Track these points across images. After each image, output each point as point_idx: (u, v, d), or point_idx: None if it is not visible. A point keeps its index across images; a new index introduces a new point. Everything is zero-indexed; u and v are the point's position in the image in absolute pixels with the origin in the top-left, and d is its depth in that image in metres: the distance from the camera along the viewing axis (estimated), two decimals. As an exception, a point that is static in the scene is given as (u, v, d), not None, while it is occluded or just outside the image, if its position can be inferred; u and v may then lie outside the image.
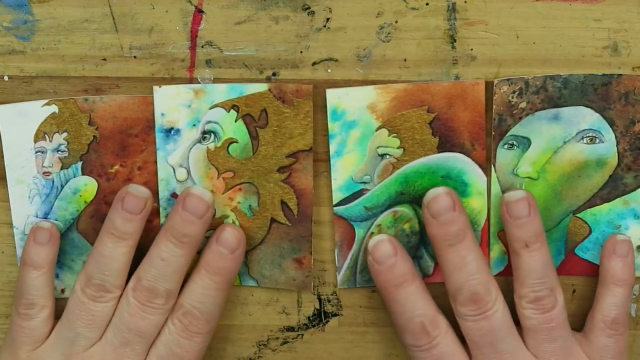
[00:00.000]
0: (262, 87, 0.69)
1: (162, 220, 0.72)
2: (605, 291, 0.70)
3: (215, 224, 0.71)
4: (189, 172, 0.71)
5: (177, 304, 0.69)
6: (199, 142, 0.70)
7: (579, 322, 0.73)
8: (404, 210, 0.71)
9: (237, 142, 0.70)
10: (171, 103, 0.69)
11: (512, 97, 0.69)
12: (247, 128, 0.70)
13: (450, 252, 0.67)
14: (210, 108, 0.69)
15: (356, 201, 0.71)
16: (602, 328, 0.69)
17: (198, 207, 0.68)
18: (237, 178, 0.71)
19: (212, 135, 0.70)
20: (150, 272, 0.68)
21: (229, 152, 0.70)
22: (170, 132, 0.70)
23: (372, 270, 0.70)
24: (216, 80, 0.69)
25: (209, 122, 0.70)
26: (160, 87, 0.69)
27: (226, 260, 0.69)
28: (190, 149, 0.70)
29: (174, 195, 0.71)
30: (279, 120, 0.69)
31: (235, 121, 0.70)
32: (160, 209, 0.71)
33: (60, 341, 0.69)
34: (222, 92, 0.69)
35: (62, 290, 0.74)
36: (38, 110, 0.70)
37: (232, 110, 0.69)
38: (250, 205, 0.71)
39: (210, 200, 0.69)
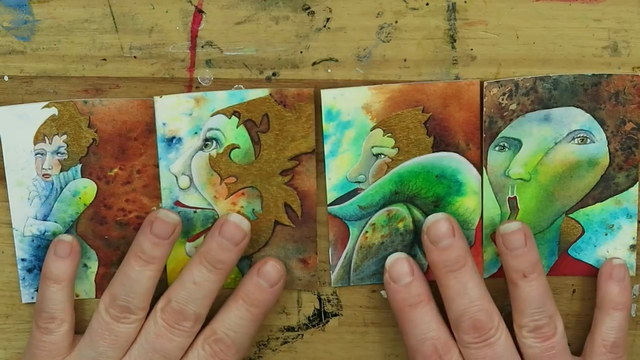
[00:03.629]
0: (263, 93, 0.69)
1: None
2: (604, 315, 0.70)
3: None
4: (191, 179, 0.70)
5: (209, 328, 0.69)
6: (201, 149, 0.70)
7: (580, 322, 0.74)
8: (398, 209, 0.71)
9: (239, 148, 0.70)
10: (172, 112, 0.69)
11: (502, 99, 0.69)
12: (249, 133, 0.70)
13: (451, 279, 0.67)
14: (212, 115, 0.69)
15: (350, 200, 0.71)
16: (602, 352, 0.69)
17: (235, 235, 0.68)
18: (240, 183, 0.71)
19: (214, 142, 0.70)
20: (181, 294, 0.68)
21: (231, 158, 0.70)
22: (172, 141, 0.70)
23: (388, 289, 0.70)
24: (216, 80, 0.69)
25: (211, 129, 0.70)
26: (161, 97, 0.69)
27: (265, 293, 0.69)
28: (192, 156, 0.70)
29: (177, 204, 0.71)
30: (281, 124, 0.69)
31: (237, 127, 0.70)
32: None
33: (83, 359, 0.69)
34: (223, 99, 0.69)
35: None
36: (38, 112, 0.69)
37: (233, 116, 0.69)
38: (253, 209, 0.71)
39: (247, 229, 0.69)
